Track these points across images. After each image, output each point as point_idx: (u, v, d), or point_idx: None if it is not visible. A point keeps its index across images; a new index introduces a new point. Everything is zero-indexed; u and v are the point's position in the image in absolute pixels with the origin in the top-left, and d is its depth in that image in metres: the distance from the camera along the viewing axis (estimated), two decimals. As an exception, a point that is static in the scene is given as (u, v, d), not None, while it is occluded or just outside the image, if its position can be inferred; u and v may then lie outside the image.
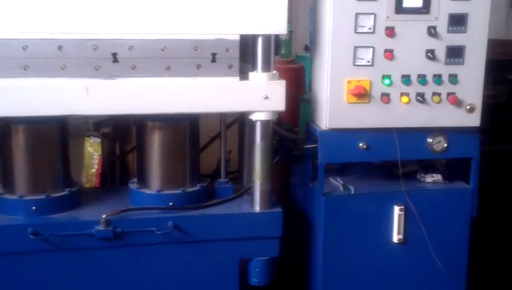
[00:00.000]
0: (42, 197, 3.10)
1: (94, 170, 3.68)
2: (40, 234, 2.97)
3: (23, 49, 2.85)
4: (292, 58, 4.54)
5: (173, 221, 3.10)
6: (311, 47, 3.46)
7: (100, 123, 3.70)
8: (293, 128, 3.76)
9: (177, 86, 3.01)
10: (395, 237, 3.38)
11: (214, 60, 3.02)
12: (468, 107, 3.27)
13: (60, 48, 2.87)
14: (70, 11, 2.85)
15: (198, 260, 3.22)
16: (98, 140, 3.68)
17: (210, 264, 3.23)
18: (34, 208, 3.07)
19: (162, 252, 3.16)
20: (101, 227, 3.01)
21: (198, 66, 3.02)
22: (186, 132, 3.29)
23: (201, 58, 3.01)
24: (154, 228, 3.07)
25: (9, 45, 2.84)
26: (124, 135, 3.82)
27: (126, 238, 3.07)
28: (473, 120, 3.31)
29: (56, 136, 3.18)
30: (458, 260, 3.49)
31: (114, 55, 2.93)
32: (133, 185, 3.33)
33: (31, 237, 2.95)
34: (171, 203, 3.19)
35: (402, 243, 3.39)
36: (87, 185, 3.70)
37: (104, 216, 3.02)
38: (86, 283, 3.14)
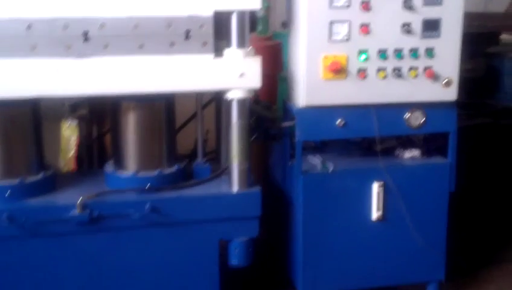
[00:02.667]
0: (16, 181, 3.09)
1: (71, 154, 3.64)
2: (15, 219, 2.97)
3: None
4: (269, 35, 4.56)
5: (150, 203, 3.12)
6: (288, 24, 3.47)
7: (76, 105, 3.68)
8: (271, 106, 3.78)
9: (150, 64, 3.02)
10: (375, 214, 3.44)
11: (187, 37, 3.03)
12: (445, 81, 3.32)
13: (28, 27, 2.86)
14: None
15: (177, 242, 3.25)
16: (75, 123, 3.64)
17: (189, 246, 3.27)
18: (8, 193, 3.06)
19: (140, 236, 3.19)
20: (76, 211, 3.02)
21: (172, 44, 3.03)
22: (161, 111, 3.31)
23: (175, 35, 3.02)
24: (131, 211, 3.09)
25: None
26: (101, 116, 3.83)
27: (103, 222, 3.09)
28: (450, 94, 3.37)
29: (29, 119, 3.16)
30: (437, 235, 3.56)
31: (85, 33, 2.92)
32: (109, 168, 3.34)
33: (6, 222, 2.95)
34: (148, 185, 3.19)
35: (381, 219, 3.45)
36: (65, 169, 3.68)
37: (79, 200, 3.02)
38: (63, 269, 3.16)
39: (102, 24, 2.94)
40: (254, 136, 3.46)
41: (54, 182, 3.28)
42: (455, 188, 3.54)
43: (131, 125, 3.27)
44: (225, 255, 3.34)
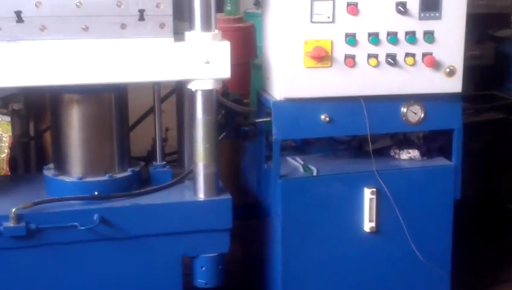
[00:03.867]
0: None
1: (3, 155, 3.55)
2: None
3: None
4: (240, 15, 4.47)
5: (99, 213, 2.95)
6: (261, 3, 3.37)
7: (9, 98, 3.55)
8: (243, 99, 3.67)
9: (97, 49, 2.85)
10: (367, 225, 3.30)
11: (142, 18, 2.87)
12: (448, 70, 3.19)
13: None
14: None
15: (132, 259, 3.09)
16: (8, 119, 3.53)
17: (147, 265, 3.11)
18: None
19: (88, 251, 3.02)
20: (10, 223, 2.83)
21: (123, 26, 2.86)
22: (111, 105, 3.15)
23: (126, 16, 2.86)
24: (76, 223, 2.91)
25: None
26: (39, 112, 3.69)
27: (42, 236, 2.91)
28: (454, 85, 3.23)
29: None
30: (441, 250, 3.41)
31: (18, 13, 2.75)
32: (50, 172, 3.16)
33: None
34: (96, 193, 3.03)
35: (375, 231, 3.31)
36: None
37: (13, 210, 2.83)
38: None
39: (38, 2, 2.76)
40: (223, 135, 3.35)
41: None
42: (461, 195, 3.37)
43: (75, 122, 3.09)
44: (190, 274, 3.17)
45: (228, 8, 4.15)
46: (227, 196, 3.13)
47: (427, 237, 3.34)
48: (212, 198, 3.10)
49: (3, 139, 3.48)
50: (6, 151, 3.49)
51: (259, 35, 3.83)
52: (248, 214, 3.45)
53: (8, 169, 3.52)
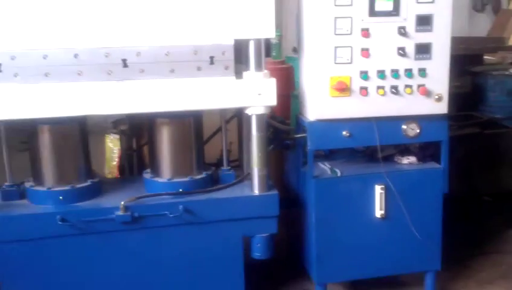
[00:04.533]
0: (68, 188, 3.03)
1: (114, 163, 3.60)
2: (67, 220, 2.90)
3: (44, 58, 2.77)
4: (282, 59, 4.43)
5: (183, 205, 3.01)
6: (298, 49, 3.36)
7: (118, 121, 3.61)
8: (285, 120, 3.64)
9: (180, 86, 2.91)
10: (378, 213, 3.25)
11: (212, 62, 2.93)
12: (437, 96, 3.14)
13: (75, 56, 2.79)
14: (83, 23, 2.78)
15: (206, 238, 3.12)
16: (117, 136, 3.56)
17: (217, 242, 3.14)
18: (61, 197, 3.00)
19: (175, 233, 3.07)
20: (120, 212, 2.93)
21: (199, 68, 2.92)
22: (191, 126, 3.19)
23: (201, 61, 2.92)
24: (166, 212, 2.99)
25: (31, 56, 2.76)
26: (139, 131, 3.73)
27: (143, 221, 2.99)
28: (441, 108, 3.18)
29: (77, 133, 3.10)
30: (433, 230, 3.36)
31: (124, 61, 2.84)
32: (147, 175, 3.24)
33: (60, 223, 2.88)
34: (180, 190, 3.11)
35: (384, 217, 3.26)
36: (109, 176, 3.61)
37: (122, 203, 2.94)
38: (109, 263, 3.06)
39: (139, 52, 2.86)
40: (271, 147, 3.33)
41: (100, 187, 3.19)
42: (448, 189, 3.35)
43: (165, 139, 3.17)
44: (248, 249, 3.20)
45: (274, 54, 4.14)
46: (275, 192, 3.14)
47: (423, 220, 3.29)
48: (264, 193, 3.12)
49: (114, 151, 3.53)
50: (116, 160, 3.53)
51: (296, 74, 3.81)
52: (290, 204, 3.42)
53: (118, 173, 3.58)
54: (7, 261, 2.91)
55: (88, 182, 3.08)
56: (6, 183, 3.09)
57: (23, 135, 3.11)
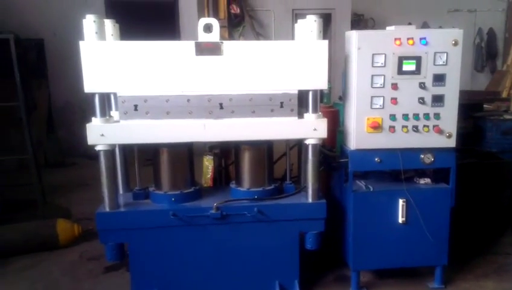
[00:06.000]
0: (178, 192, 3.11)
1: (209, 176, 3.68)
2: (177, 215, 2.98)
3: (166, 101, 2.88)
4: (331, 104, 4.44)
5: (257, 208, 3.05)
6: (343, 97, 3.36)
7: (213, 146, 3.71)
8: (333, 149, 3.64)
9: (259, 123, 2.97)
10: (400, 219, 3.19)
11: (282, 106, 2.98)
12: (447, 134, 3.11)
13: (188, 100, 2.90)
14: (194, 78, 2.88)
15: (273, 232, 3.14)
16: (211, 157, 3.68)
17: (280, 236, 3.15)
18: (173, 199, 3.08)
19: (251, 228, 3.10)
20: (213, 211, 2.99)
21: (272, 110, 2.98)
22: (265, 151, 3.22)
23: (274, 105, 2.97)
24: (245, 212, 3.04)
25: (157, 99, 2.88)
26: (227, 153, 3.81)
27: (229, 218, 3.04)
28: (451, 143, 3.14)
29: (186, 154, 3.17)
30: (442, 234, 3.27)
31: (220, 104, 2.93)
32: (233, 185, 3.29)
33: (172, 217, 2.97)
34: (256, 197, 3.13)
35: (405, 223, 3.20)
36: (205, 185, 3.70)
37: (215, 204, 3.00)
38: (204, 246, 3.11)
39: (231, 98, 2.93)
40: (322, 168, 3.32)
41: (200, 193, 3.25)
42: (454, 203, 3.27)
43: (246, 159, 3.21)
44: (303, 242, 3.21)
45: (325, 100, 4.15)
46: (323, 201, 3.13)
47: (434, 226, 3.21)
48: (316, 201, 3.11)
49: (209, 167, 3.64)
50: (210, 174, 3.64)
51: (341, 115, 3.81)
52: (335, 210, 3.36)
53: (211, 183, 3.69)
54: (135, 242, 3.03)
55: (192, 189, 3.15)
56: (136, 188, 3.21)
57: (148, 154, 3.19)
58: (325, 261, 3.66)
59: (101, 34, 2.76)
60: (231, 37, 5.31)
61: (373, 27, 9.34)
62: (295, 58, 2.90)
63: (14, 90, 4.47)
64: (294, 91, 2.96)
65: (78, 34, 2.85)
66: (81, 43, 2.73)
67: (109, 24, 3.12)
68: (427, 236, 3.20)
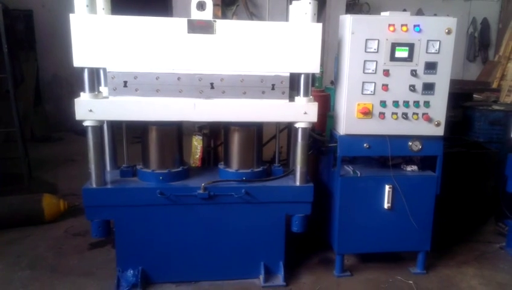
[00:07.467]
0: (166, 171, 3.09)
1: (197, 156, 3.66)
2: (164, 193, 2.97)
3: (156, 79, 2.86)
4: (323, 89, 4.42)
5: (245, 189, 3.05)
6: (335, 82, 3.36)
7: (202, 126, 3.68)
8: (322, 133, 3.65)
9: (249, 104, 2.95)
10: (386, 205, 3.23)
11: (273, 89, 2.96)
12: (436, 122, 3.13)
13: (179, 78, 2.87)
14: (185, 57, 2.85)
15: (259, 214, 3.15)
16: (200, 137, 3.65)
17: (267, 217, 3.16)
18: (161, 177, 3.07)
19: (238, 209, 3.11)
20: (201, 191, 2.99)
21: (263, 92, 2.96)
22: (254, 133, 3.21)
23: (265, 87, 2.95)
24: (233, 193, 3.03)
25: (147, 76, 2.85)
26: (216, 134, 3.79)
27: (216, 199, 3.04)
28: (439, 131, 3.16)
29: (175, 133, 3.15)
30: (426, 221, 3.32)
31: (211, 84, 2.90)
32: (221, 166, 3.28)
33: (159, 195, 2.96)
34: (244, 178, 3.13)
35: (390, 209, 3.24)
36: (194, 165, 3.68)
37: (203, 185, 2.99)
38: (191, 226, 3.12)
39: (222, 78, 2.91)
40: (310, 151, 3.30)
41: (188, 172, 3.23)
42: (439, 191, 3.30)
43: (235, 140, 3.19)
44: (289, 224, 3.22)
45: (317, 84, 4.14)
46: (311, 184, 3.13)
47: (419, 213, 3.26)
48: (303, 185, 3.12)
49: (198, 147, 3.60)
50: (199, 154, 3.60)
51: (332, 99, 3.76)
52: (322, 194, 3.40)
53: (200, 163, 3.66)
54: (121, 219, 3.02)
55: (180, 168, 3.14)
56: (124, 165, 3.19)
57: (136, 132, 3.18)
58: (310, 244, 3.70)
59: (92, 7, 2.71)
60: (224, 16, 5.25)
61: (368, 12, 9.29)
62: (288, 40, 2.87)
63: (1, 62, 4.39)
64: (286, 74, 2.94)
65: (68, 6, 2.80)
66: (71, 15, 2.68)
67: (100, -3, 3.05)
68: (412, 222, 3.24)
